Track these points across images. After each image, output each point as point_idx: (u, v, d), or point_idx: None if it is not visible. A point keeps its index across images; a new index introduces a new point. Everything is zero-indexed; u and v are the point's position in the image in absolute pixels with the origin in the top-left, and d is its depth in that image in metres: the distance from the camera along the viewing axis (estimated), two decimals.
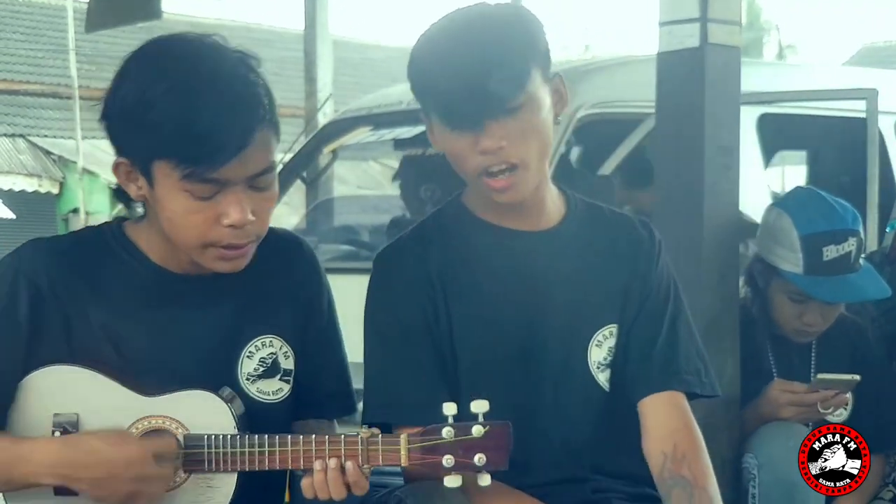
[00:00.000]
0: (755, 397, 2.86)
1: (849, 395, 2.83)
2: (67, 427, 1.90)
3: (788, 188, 3.72)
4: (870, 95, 4.12)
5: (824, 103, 5.11)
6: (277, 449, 1.85)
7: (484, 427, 1.79)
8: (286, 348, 2.05)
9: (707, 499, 2.01)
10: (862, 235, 2.89)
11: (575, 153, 5.47)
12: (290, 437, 1.85)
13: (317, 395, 2.10)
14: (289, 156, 5.91)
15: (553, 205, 2.15)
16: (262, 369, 2.03)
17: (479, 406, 1.80)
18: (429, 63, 1.99)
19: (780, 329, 2.94)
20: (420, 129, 2.07)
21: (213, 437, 1.87)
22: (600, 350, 2.10)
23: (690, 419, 2.09)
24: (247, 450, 1.86)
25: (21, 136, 16.08)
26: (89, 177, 14.53)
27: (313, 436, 1.84)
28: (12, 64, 17.01)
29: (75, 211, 14.91)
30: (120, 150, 1.91)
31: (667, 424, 2.07)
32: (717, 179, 2.94)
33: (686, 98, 2.96)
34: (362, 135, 5.77)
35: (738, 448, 2.80)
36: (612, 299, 2.12)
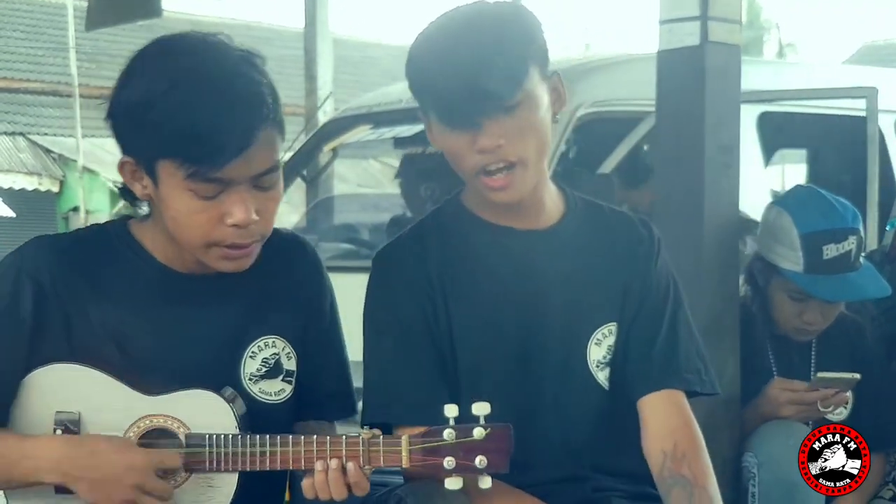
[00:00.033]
0: (755, 396, 2.86)
1: (849, 394, 2.83)
2: (69, 425, 1.90)
3: (788, 187, 3.72)
4: (870, 94, 4.12)
5: (824, 102, 5.11)
6: (279, 449, 1.85)
7: (485, 429, 1.79)
8: (289, 349, 2.05)
9: (707, 497, 2.01)
10: (862, 234, 2.89)
11: (575, 152, 5.46)
12: (291, 437, 1.85)
13: (317, 397, 2.10)
14: (289, 154, 5.91)
15: (552, 203, 2.15)
16: (264, 370, 2.03)
17: (481, 408, 1.80)
18: (426, 62, 1.99)
19: (780, 328, 2.94)
20: (420, 127, 2.07)
21: (214, 436, 1.87)
22: (599, 348, 2.10)
23: (690, 418, 2.09)
24: (248, 449, 1.86)
25: (21, 134, 16.08)
26: (89, 175, 14.54)
27: (315, 436, 1.85)
28: (12, 62, 17.00)
29: (75, 209, 14.91)
30: (125, 149, 1.91)
31: (666, 423, 2.07)
32: (718, 178, 2.94)
33: (686, 96, 2.95)
34: (362, 133, 5.76)
35: (738, 447, 2.80)
36: (612, 297, 2.12)
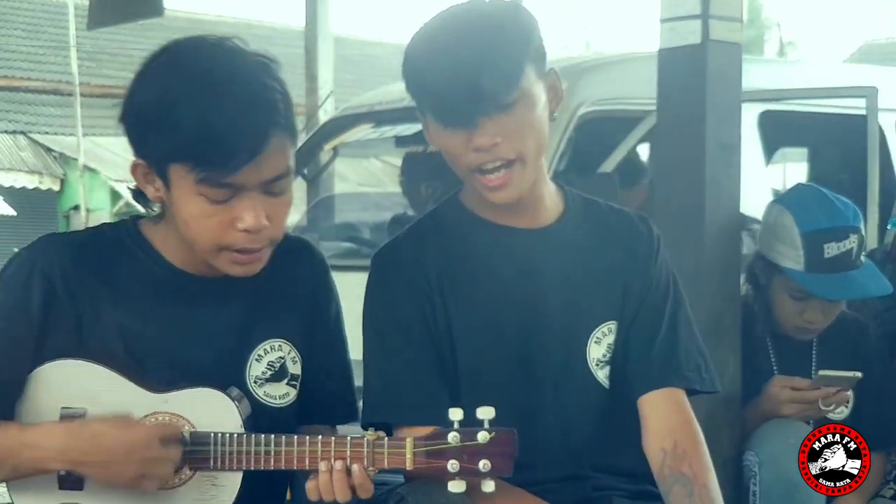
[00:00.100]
0: (756, 395, 2.86)
1: (850, 393, 2.83)
2: None
3: (789, 185, 3.72)
4: (870, 93, 4.12)
5: (825, 100, 5.11)
6: (283, 449, 1.86)
7: (489, 433, 1.80)
8: (294, 353, 2.06)
9: (707, 495, 2.01)
10: (863, 232, 2.88)
11: (576, 151, 5.46)
12: (296, 437, 1.86)
13: (320, 400, 2.10)
14: None
15: (551, 201, 2.15)
16: (270, 373, 2.03)
17: (485, 413, 1.80)
18: (422, 61, 1.99)
19: (781, 326, 2.93)
20: (421, 125, 2.07)
21: (219, 435, 1.87)
22: (599, 347, 2.10)
23: (690, 416, 2.09)
24: (252, 449, 1.86)
25: (22, 132, 16.10)
26: (90, 174, 14.53)
27: (319, 437, 1.85)
28: (13, 60, 17.02)
29: (76, 208, 14.92)
30: (137, 152, 1.91)
31: (667, 421, 2.07)
32: (719, 176, 2.93)
33: (687, 95, 2.95)
34: (363, 132, 5.77)
35: (739, 446, 2.80)
36: (611, 296, 2.12)
